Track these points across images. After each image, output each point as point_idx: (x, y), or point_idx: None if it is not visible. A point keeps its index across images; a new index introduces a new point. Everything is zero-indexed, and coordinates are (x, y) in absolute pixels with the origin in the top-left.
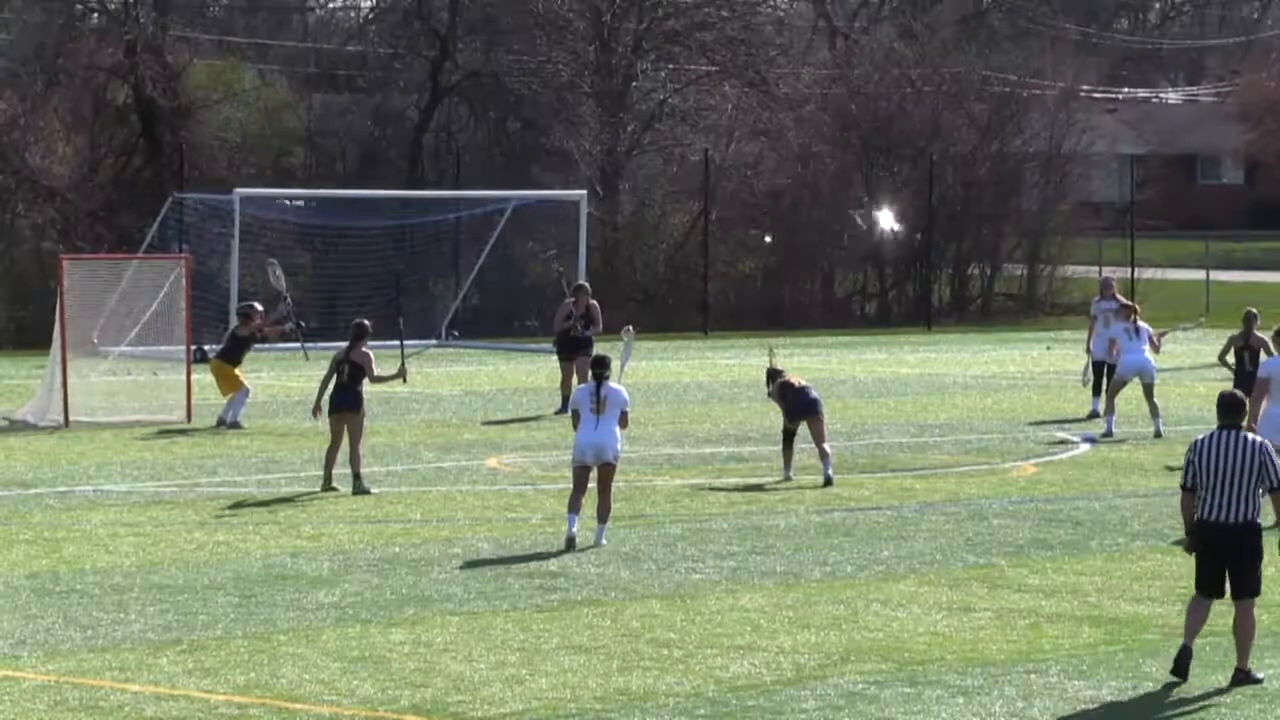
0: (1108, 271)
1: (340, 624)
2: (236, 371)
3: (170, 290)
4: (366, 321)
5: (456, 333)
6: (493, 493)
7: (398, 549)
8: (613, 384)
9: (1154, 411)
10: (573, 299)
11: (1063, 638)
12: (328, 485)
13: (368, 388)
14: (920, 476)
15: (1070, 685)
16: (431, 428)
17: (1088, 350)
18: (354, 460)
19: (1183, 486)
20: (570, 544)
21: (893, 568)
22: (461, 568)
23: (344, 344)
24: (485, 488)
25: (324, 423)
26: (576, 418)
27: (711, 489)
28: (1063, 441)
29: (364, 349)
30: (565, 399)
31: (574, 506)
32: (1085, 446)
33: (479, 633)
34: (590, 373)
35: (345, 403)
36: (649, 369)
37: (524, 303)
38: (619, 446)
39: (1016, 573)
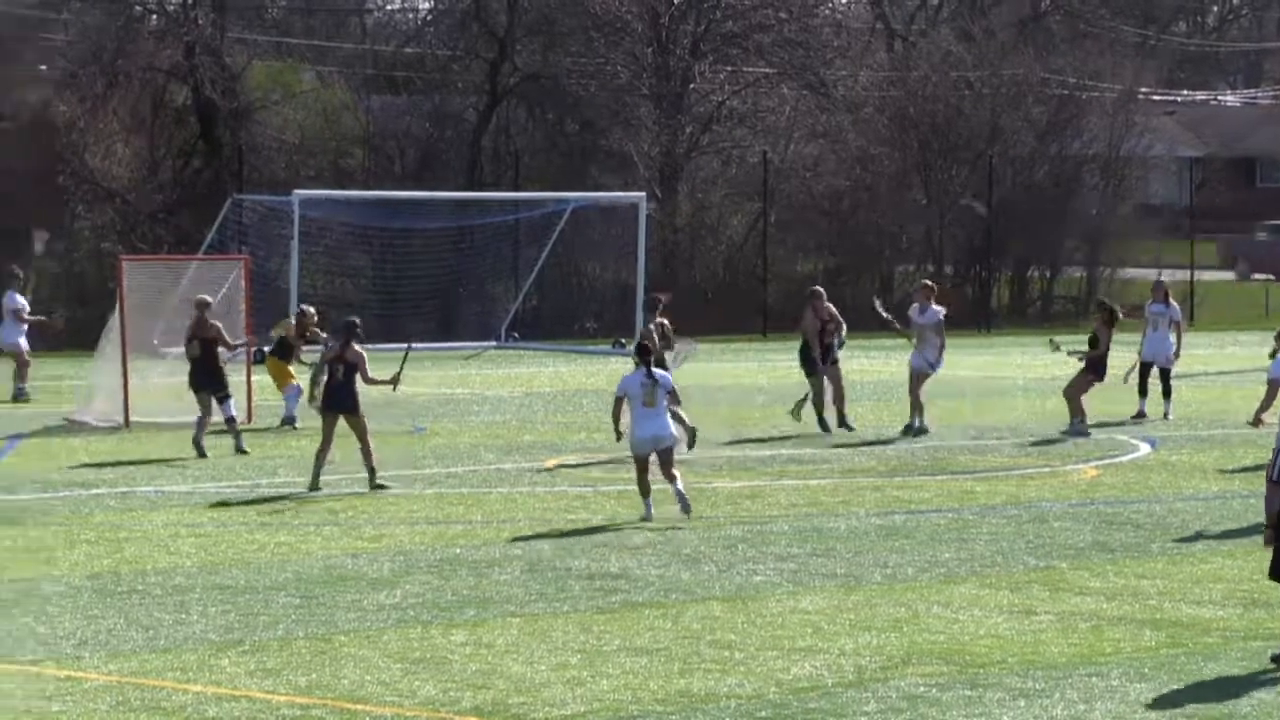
0: (1167, 274)
1: (401, 625)
2: (290, 368)
3: (229, 291)
4: (356, 319)
5: (516, 334)
6: (553, 494)
7: (458, 550)
8: (657, 370)
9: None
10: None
11: (1124, 641)
12: (315, 485)
13: (361, 388)
14: (981, 479)
15: (1132, 688)
16: (492, 429)
17: (1139, 353)
18: (366, 457)
19: (1273, 480)
20: (647, 518)
21: (953, 570)
22: (522, 569)
23: (403, 345)
24: (545, 489)
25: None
26: (619, 404)
27: (772, 491)
28: (1123, 444)
29: (356, 347)
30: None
31: (644, 490)
32: (1146, 449)
33: (540, 634)
34: (636, 358)
35: (340, 403)
36: (708, 371)
37: (584, 304)
38: (673, 430)
39: (1077, 575)
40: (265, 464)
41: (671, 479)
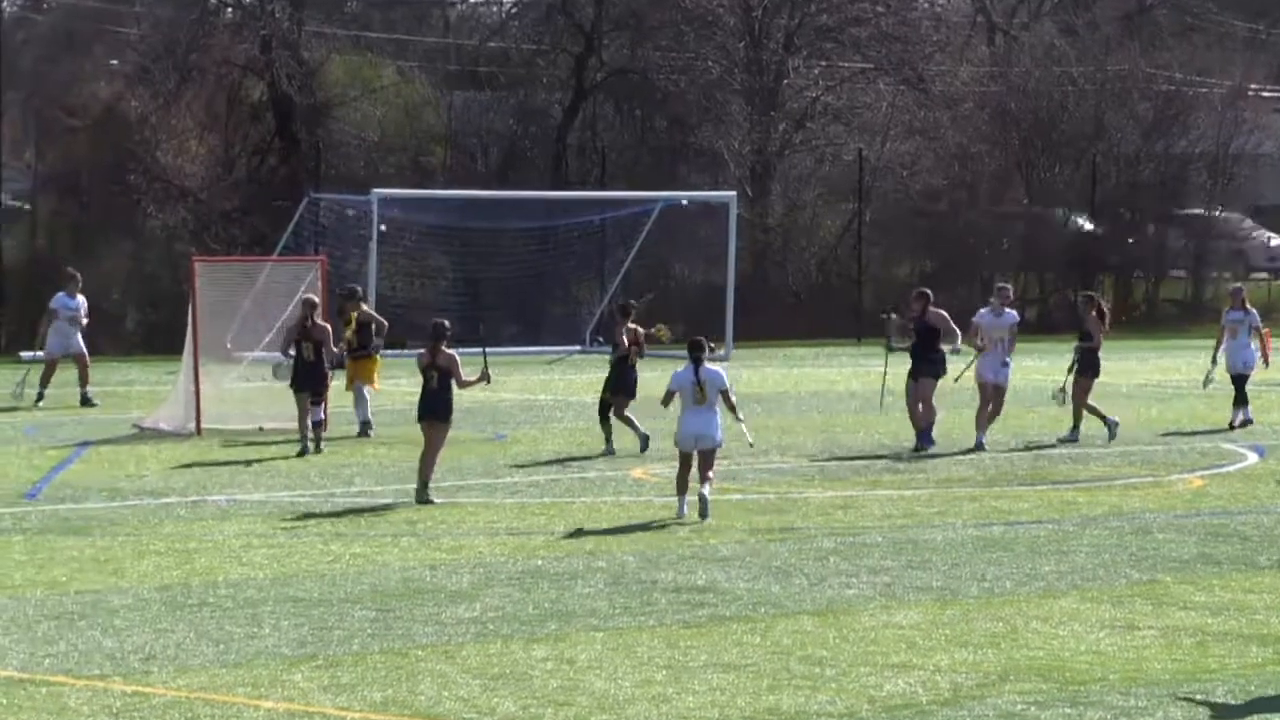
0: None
1: (480, 639)
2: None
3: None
4: (445, 321)
5: (601, 338)
6: (638, 504)
7: (540, 562)
8: (709, 365)
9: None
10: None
11: (1229, 657)
12: (423, 495)
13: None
14: (1082, 489)
15: (1237, 706)
16: (575, 436)
17: (1214, 360)
18: (427, 465)
19: None
20: (680, 515)
21: (1053, 584)
22: (606, 582)
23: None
24: (630, 499)
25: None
26: (670, 397)
27: (865, 501)
28: (1230, 453)
29: (447, 350)
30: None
31: (682, 487)
32: (1253, 458)
33: (624, 649)
34: (689, 355)
35: (435, 410)
36: (800, 376)
37: (672, 308)
38: (720, 434)
39: (1182, 589)
40: (341, 472)
41: (704, 480)
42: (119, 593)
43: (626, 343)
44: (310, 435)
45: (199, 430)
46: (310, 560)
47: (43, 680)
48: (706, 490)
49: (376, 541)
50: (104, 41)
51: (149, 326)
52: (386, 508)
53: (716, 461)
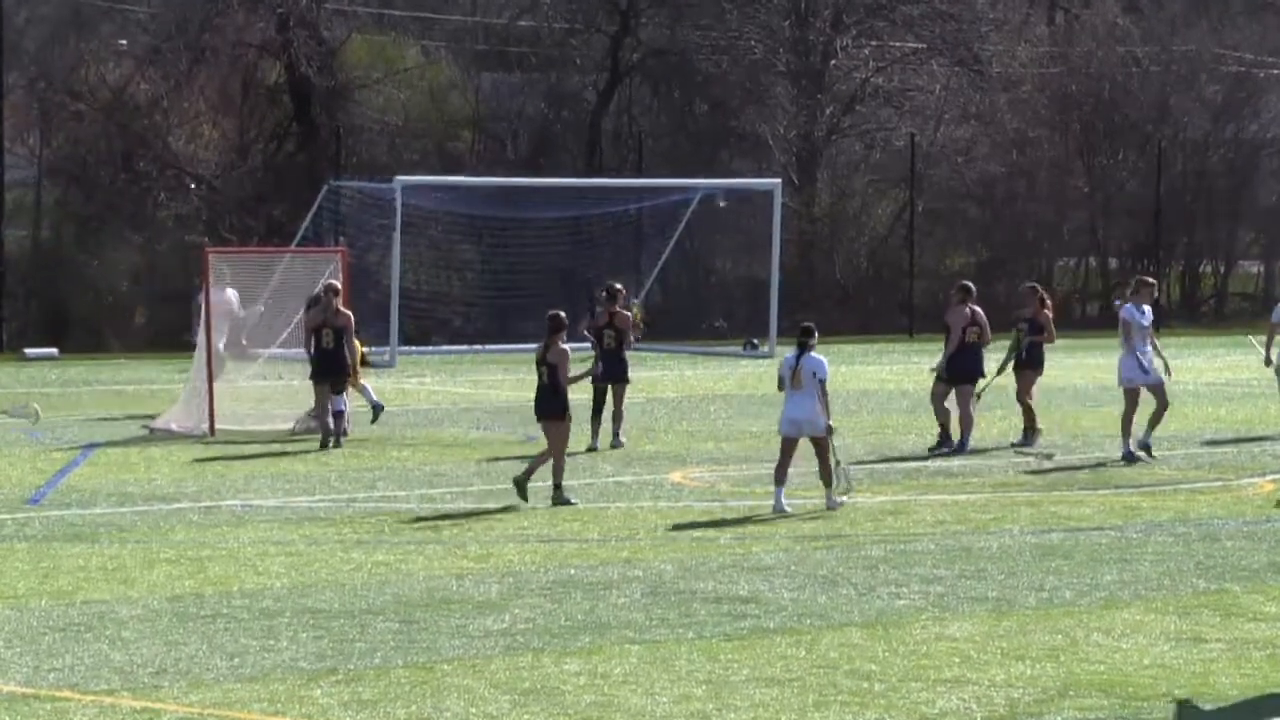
0: None
1: (510, 653)
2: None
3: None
4: (561, 313)
5: (638, 335)
6: (677, 510)
7: (573, 571)
8: (815, 355)
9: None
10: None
11: None
12: (523, 493)
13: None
14: (1146, 493)
15: None
16: (610, 438)
17: (1267, 362)
18: (556, 470)
19: None
20: (777, 508)
21: (1115, 594)
22: (642, 592)
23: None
24: (669, 504)
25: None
26: (781, 382)
27: (916, 506)
28: None
29: (560, 345)
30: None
31: (779, 478)
32: None
33: (661, 663)
34: (797, 340)
35: (543, 408)
36: (849, 374)
37: (712, 301)
38: (822, 418)
39: (1252, 599)
40: (362, 476)
41: (824, 478)
42: (128, 603)
43: (601, 325)
44: (331, 428)
45: (212, 431)
46: (330, 569)
47: (48, 696)
48: (832, 501)
49: (400, 549)
50: (112, 20)
51: (159, 322)
52: (410, 514)
53: (830, 457)
